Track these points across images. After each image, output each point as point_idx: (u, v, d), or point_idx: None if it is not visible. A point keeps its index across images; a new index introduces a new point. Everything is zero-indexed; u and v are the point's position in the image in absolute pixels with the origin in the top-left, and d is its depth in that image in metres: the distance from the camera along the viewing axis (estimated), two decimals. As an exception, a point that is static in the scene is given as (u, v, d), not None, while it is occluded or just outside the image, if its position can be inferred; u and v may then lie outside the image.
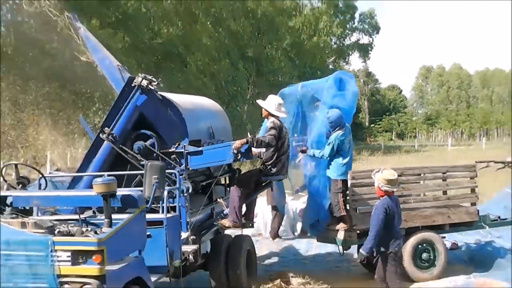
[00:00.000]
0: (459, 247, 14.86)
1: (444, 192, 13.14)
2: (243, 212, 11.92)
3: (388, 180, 10.07)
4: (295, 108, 13.22)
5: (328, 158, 12.20)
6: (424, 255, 12.35)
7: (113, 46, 32.67)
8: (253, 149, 10.97)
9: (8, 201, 8.56)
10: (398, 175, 12.45)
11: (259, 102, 11.96)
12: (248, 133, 11.54)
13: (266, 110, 11.62)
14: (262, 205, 16.25)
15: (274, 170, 11.45)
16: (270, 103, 11.70)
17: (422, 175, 13.06)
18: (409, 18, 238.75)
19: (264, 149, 11.38)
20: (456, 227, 13.11)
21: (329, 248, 12.53)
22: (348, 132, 12.28)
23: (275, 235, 16.64)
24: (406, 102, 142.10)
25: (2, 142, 42.52)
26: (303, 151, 12.58)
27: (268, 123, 11.49)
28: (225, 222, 11.49)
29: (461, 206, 13.09)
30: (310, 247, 15.16)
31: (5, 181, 9.49)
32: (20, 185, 9.24)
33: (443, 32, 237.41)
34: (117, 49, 34.12)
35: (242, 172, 12.74)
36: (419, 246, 12.33)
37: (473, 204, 13.09)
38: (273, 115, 11.55)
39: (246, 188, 11.49)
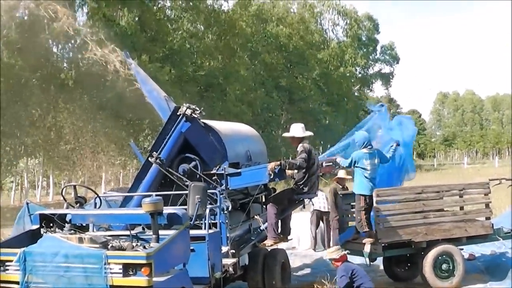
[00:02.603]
0: (476, 258, 14.58)
1: (461, 208, 12.94)
2: (285, 230, 11.89)
3: (333, 251, 10.71)
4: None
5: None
6: (444, 266, 12.14)
7: (161, 78, 32.97)
8: (286, 170, 10.93)
9: (67, 218, 8.57)
10: (419, 193, 12.39)
11: (286, 134, 11.96)
12: (283, 158, 11.45)
13: (296, 137, 11.54)
14: (296, 221, 16.13)
15: (305, 189, 11.35)
16: (297, 129, 11.67)
17: (441, 192, 12.88)
18: (426, 49, 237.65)
19: (296, 171, 11.29)
20: (473, 239, 12.89)
21: (356, 260, 12.34)
22: (375, 155, 12.07)
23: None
24: (425, 125, 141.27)
25: (64, 164, 43.01)
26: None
27: (298, 147, 11.39)
28: (268, 242, 11.43)
29: (477, 220, 12.88)
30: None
31: (65, 200, 9.55)
32: (78, 204, 9.27)
33: (457, 61, 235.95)
34: (164, 81, 34.42)
35: (276, 191, 12.66)
36: (439, 257, 12.11)
37: (488, 218, 12.87)
38: (302, 139, 11.49)
39: (281, 205, 11.40)
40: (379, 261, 13.33)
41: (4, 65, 36.17)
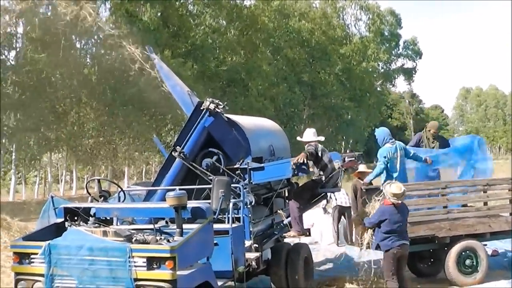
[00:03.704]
0: (500, 254, 14.50)
1: (485, 203, 12.84)
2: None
3: (393, 194, 10.27)
4: None
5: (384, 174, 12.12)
6: (467, 261, 12.10)
7: (183, 73, 33.05)
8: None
9: (92, 212, 8.63)
10: (442, 188, 12.30)
11: (300, 138, 12.04)
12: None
13: (307, 141, 11.61)
14: (318, 215, 16.13)
15: (325, 181, 11.37)
16: (309, 135, 11.77)
17: (464, 187, 12.80)
18: (449, 44, 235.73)
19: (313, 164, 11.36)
20: (496, 235, 12.81)
21: (379, 254, 12.29)
22: (398, 149, 12.07)
23: None
24: (448, 120, 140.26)
25: (87, 159, 43.36)
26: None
27: (306, 146, 11.48)
28: (291, 233, 11.50)
29: (500, 216, 12.78)
30: (362, 253, 14.91)
31: (89, 194, 9.60)
32: (102, 198, 9.31)
33: (480, 56, 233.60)
34: (187, 76, 34.48)
35: (299, 186, 12.66)
36: (463, 253, 12.08)
37: (512, 214, 12.79)
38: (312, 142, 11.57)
39: (303, 200, 11.42)
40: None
41: (28, 60, 36.52)
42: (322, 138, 11.94)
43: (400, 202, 10.35)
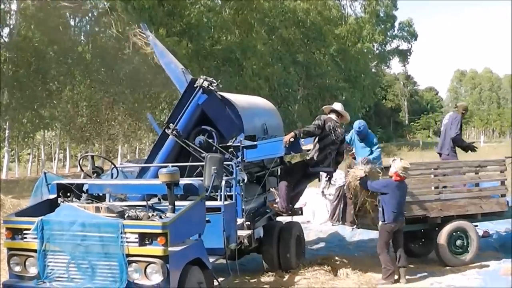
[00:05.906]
0: (490, 235, 14.59)
1: (477, 184, 12.90)
2: (293, 201, 11.73)
3: (404, 168, 10.93)
4: None
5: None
6: (458, 242, 12.16)
7: (178, 52, 32.91)
8: (302, 142, 10.87)
9: (84, 188, 8.66)
10: (435, 168, 12.39)
11: (325, 107, 11.88)
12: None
13: (334, 110, 11.49)
14: (311, 194, 16.11)
15: (318, 160, 11.25)
16: (335, 105, 11.68)
17: (456, 168, 12.84)
18: (444, 26, 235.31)
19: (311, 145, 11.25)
20: (488, 216, 12.87)
21: (371, 234, 12.38)
22: None
23: None
24: (442, 102, 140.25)
25: (80, 137, 43.32)
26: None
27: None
28: (275, 204, 11.33)
29: (492, 197, 12.83)
30: (354, 233, 14.99)
31: (82, 170, 9.62)
32: (95, 174, 9.35)
33: (475, 39, 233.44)
34: (182, 55, 34.35)
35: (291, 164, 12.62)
36: (454, 233, 12.13)
37: (503, 195, 12.81)
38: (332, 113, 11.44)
39: (292, 178, 11.32)
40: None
41: (21, 38, 36.38)
42: (346, 116, 11.72)
43: (406, 176, 11.01)
